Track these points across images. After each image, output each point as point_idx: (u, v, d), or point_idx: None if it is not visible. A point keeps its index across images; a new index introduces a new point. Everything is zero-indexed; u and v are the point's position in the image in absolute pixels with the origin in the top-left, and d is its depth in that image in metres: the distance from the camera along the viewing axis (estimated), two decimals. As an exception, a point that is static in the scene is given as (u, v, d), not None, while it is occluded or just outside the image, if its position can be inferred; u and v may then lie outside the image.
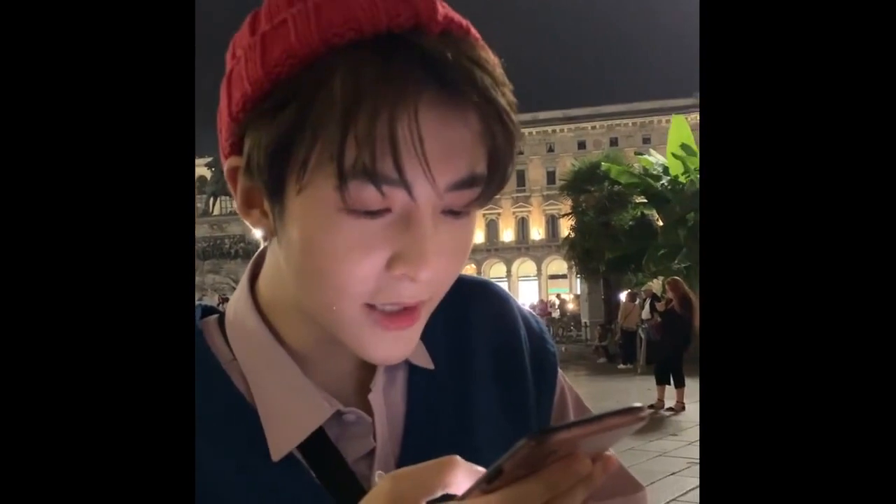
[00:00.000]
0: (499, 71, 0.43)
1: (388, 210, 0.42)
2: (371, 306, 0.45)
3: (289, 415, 0.50)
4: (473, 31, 0.44)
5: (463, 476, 0.36)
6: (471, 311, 0.58)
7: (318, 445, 0.50)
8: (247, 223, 0.48)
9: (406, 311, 0.45)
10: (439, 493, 0.35)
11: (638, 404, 0.32)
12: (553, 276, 47.29)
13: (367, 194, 0.41)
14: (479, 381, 0.57)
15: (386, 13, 0.40)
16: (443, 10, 0.42)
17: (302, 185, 0.42)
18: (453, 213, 0.44)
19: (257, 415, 0.50)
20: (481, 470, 0.35)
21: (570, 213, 18.07)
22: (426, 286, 0.45)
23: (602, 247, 15.79)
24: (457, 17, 0.43)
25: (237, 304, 0.54)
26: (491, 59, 0.43)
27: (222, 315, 0.55)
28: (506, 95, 0.42)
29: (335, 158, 0.40)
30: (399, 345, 0.47)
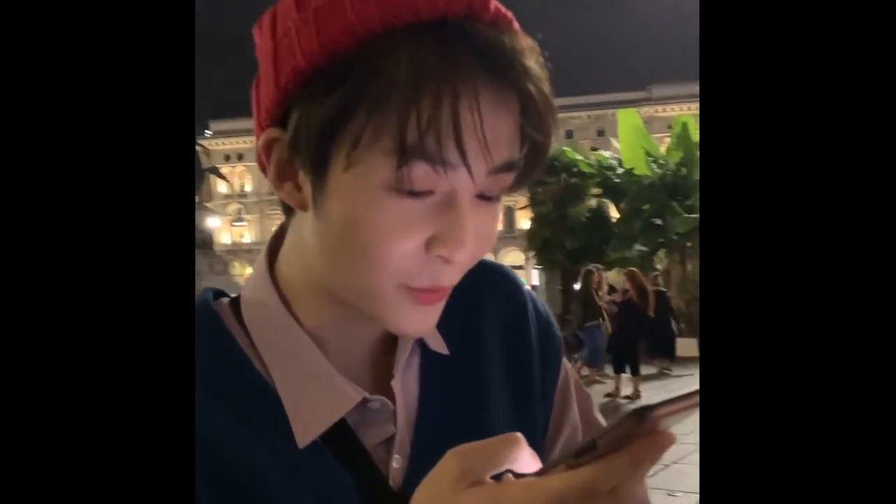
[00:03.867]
0: (539, 58, 0.44)
1: (430, 192, 0.43)
2: (405, 286, 0.46)
3: (314, 403, 0.50)
4: (515, 21, 0.45)
5: (528, 453, 0.37)
6: (485, 295, 0.59)
7: (339, 431, 0.50)
8: (279, 195, 0.49)
9: (437, 288, 0.47)
10: (504, 468, 0.36)
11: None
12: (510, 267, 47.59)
13: (423, 174, 0.42)
14: (491, 366, 0.58)
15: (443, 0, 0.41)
16: (493, 0, 0.43)
17: (351, 161, 0.42)
18: (485, 197, 0.46)
19: (278, 398, 0.49)
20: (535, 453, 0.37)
21: (527, 206, 18.23)
22: (458, 269, 0.46)
23: (560, 237, 15.98)
24: (502, 7, 0.44)
25: (255, 285, 0.53)
26: (530, 45, 0.44)
27: (235, 299, 0.54)
28: (547, 84, 0.44)
29: (396, 138, 0.41)
30: (428, 318, 0.48)
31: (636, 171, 15.14)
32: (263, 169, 0.48)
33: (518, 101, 0.43)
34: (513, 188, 0.47)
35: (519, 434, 0.37)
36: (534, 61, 0.43)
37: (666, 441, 0.33)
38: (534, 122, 0.44)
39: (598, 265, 10.64)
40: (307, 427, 0.49)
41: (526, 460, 0.36)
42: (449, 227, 0.44)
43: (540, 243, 16.83)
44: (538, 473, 0.36)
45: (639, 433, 0.33)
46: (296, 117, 0.44)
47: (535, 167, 0.46)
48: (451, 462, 0.36)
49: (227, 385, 0.48)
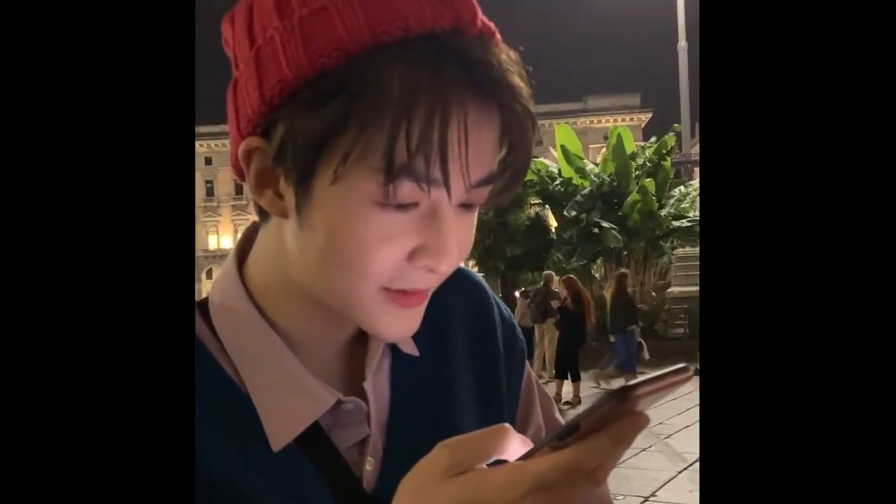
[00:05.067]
0: (522, 71, 0.44)
1: (416, 204, 0.44)
2: (386, 289, 0.46)
3: (288, 405, 0.49)
4: (497, 33, 0.45)
5: (516, 443, 0.37)
6: (451, 299, 0.59)
7: (312, 434, 0.49)
8: (258, 203, 0.48)
9: (419, 291, 0.47)
10: (493, 459, 0.37)
11: (685, 364, 0.35)
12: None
13: (409, 191, 0.42)
14: (459, 368, 0.58)
15: (431, 14, 0.41)
16: (479, 13, 0.44)
17: (338, 175, 0.42)
18: (465, 206, 0.46)
19: (251, 403, 0.49)
20: (529, 440, 0.37)
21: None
22: (440, 275, 0.47)
23: (501, 245, 16.12)
24: (486, 19, 0.44)
25: (225, 289, 0.52)
26: (514, 58, 0.44)
27: (202, 302, 0.53)
28: (529, 98, 0.44)
29: (385, 157, 0.41)
30: (409, 321, 0.48)
31: (574, 181, 15.44)
32: (240, 175, 0.48)
33: (500, 116, 0.43)
34: (497, 202, 0.47)
35: (507, 425, 0.37)
36: (518, 77, 0.43)
37: (642, 422, 0.34)
38: (515, 138, 0.44)
39: (624, 269, 10.67)
40: (281, 430, 0.48)
41: (515, 449, 0.37)
42: (434, 239, 0.44)
43: (481, 251, 16.94)
44: (522, 458, 0.36)
45: (619, 413, 0.33)
46: (282, 130, 0.43)
47: (517, 181, 0.46)
48: (440, 454, 0.36)
49: (198, 391, 0.47)
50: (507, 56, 0.43)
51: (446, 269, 0.46)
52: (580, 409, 7.81)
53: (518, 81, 0.43)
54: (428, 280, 0.46)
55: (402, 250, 0.44)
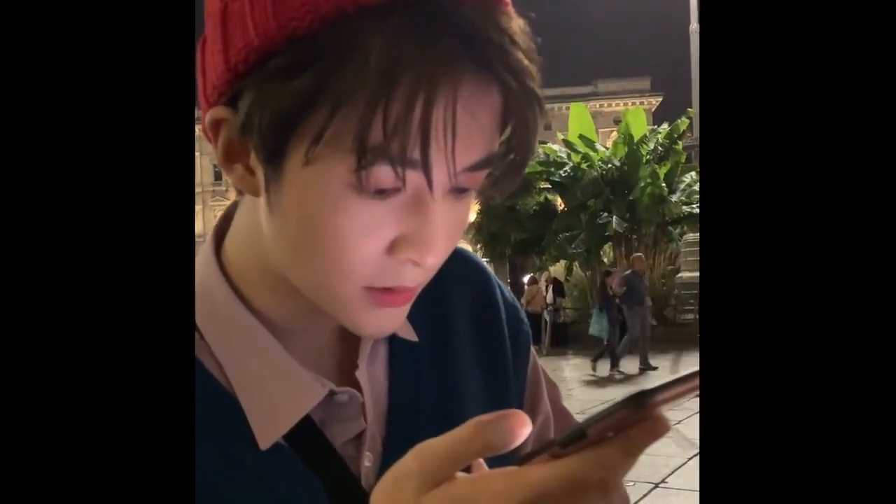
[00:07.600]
0: (530, 45, 0.39)
1: (398, 190, 0.39)
2: (370, 288, 0.42)
3: (276, 399, 0.46)
4: None
5: (506, 431, 0.32)
6: (452, 282, 0.55)
7: (303, 429, 0.46)
8: (228, 178, 0.44)
9: (404, 289, 0.43)
10: (473, 461, 0.33)
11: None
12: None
13: (385, 176, 0.37)
14: (462, 354, 0.55)
15: None
16: None
17: (310, 157, 0.37)
18: (458, 190, 0.42)
19: (234, 400, 0.45)
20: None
21: (476, 197, 18.28)
22: (428, 269, 0.42)
23: (508, 230, 16.11)
24: None
25: (202, 275, 0.48)
26: (522, 29, 0.39)
27: None
28: (535, 77, 0.39)
29: (358, 139, 0.36)
30: (392, 319, 0.44)
31: (582, 167, 15.37)
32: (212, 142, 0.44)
33: (501, 96, 0.38)
34: (498, 190, 0.43)
35: (483, 418, 0.32)
36: (521, 51, 0.38)
37: (661, 428, 0.30)
38: (518, 122, 0.39)
39: None
40: (269, 426, 0.45)
41: (502, 439, 0.31)
42: (417, 229, 0.40)
43: (487, 236, 16.93)
44: (519, 462, 0.32)
45: (633, 420, 0.30)
46: (248, 101, 0.38)
47: (519, 168, 0.42)
48: (410, 467, 0.32)
49: None
50: (514, 27, 0.38)
51: (433, 261, 0.41)
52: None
53: (523, 59, 0.38)
54: (413, 275, 0.42)
55: (382, 241, 0.40)
